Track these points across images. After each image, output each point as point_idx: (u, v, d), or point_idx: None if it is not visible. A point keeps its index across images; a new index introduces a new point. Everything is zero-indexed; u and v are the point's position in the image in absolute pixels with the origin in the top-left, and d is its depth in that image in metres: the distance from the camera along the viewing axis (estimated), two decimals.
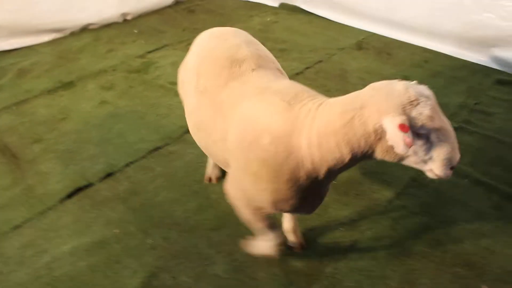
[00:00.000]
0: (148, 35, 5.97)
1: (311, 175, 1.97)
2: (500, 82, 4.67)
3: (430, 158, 1.82)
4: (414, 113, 1.71)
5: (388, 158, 1.85)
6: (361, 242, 2.80)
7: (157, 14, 6.73)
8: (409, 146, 1.70)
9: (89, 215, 3.07)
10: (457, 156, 1.85)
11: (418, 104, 1.72)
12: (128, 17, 6.57)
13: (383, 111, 1.73)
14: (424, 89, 1.79)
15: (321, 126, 1.88)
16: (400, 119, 1.68)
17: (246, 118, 2.11)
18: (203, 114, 2.36)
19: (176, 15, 6.68)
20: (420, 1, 5.39)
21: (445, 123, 1.81)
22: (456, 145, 1.84)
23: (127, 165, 3.51)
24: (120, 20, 6.49)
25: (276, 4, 6.85)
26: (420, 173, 1.96)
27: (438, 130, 1.77)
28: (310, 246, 2.78)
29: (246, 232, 2.81)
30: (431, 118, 1.73)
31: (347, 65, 4.97)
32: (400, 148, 1.73)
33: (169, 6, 6.99)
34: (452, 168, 1.85)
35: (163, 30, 6.12)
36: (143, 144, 3.74)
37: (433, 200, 3.13)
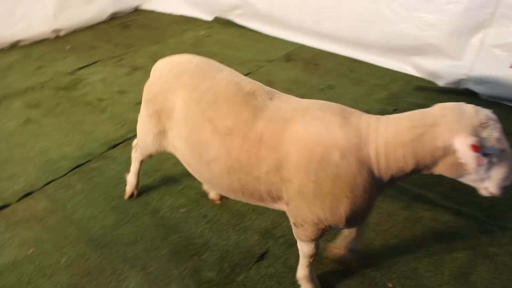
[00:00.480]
0: (80, 51, 5.93)
1: (378, 183, 2.08)
2: (419, 89, 4.91)
3: (488, 177, 1.96)
4: (484, 134, 1.86)
5: (449, 174, 2.02)
6: (274, 249, 2.88)
7: (91, 30, 6.69)
8: (480, 165, 1.87)
9: (3, 236, 3.02)
10: (511, 177, 1.99)
11: (487, 126, 1.87)
12: (61, 33, 6.51)
13: (455, 131, 1.88)
14: (491, 113, 1.94)
15: (389, 137, 2.01)
16: (472, 139, 1.84)
17: (305, 139, 2.08)
18: (236, 154, 2.23)
19: (111, 31, 6.66)
20: (345, 13, 5.59)
21: (507, 145, 1.94)
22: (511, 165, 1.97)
23: (47, 183, 3.48)
24: (52, 36, 6.41)
25: (210, 18, 6.94)
26: None
27: (502, 151, 1.91)
28: (224, 256, 2.82)
29: (161, 245, 2.85)
30: (499, 140, 1.88)
31: (274, 76, 5.10)
32: (471, 166, 1.89)
33: (104, 22, 6.98)
34: (504, 188, 1.99)
35: (96, 46, 6.09)
36: (65, 162, 3.71)
37: None
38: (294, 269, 2.73)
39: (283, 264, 2.77)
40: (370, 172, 2.04)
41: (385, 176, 2.07)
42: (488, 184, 1.99)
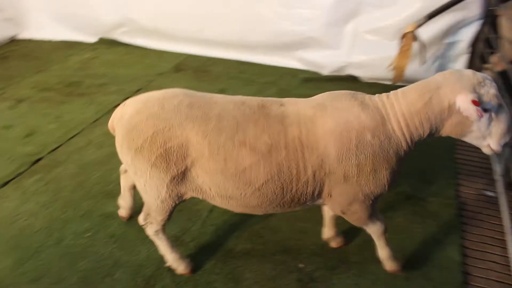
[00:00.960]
0: None
1: (405, 150, 2.31)
2: (306, 80, 5.20)
3: (490, 133, 2.21)
4: (482, 91, 2.13)
5: (455, 132, 2.27)
6: (186, 254, 2.88)
7: None
8: (481, 116, 2.12)
9: None
10: (511, 133, 2.24)
11: (485, 85, 2.14)
12: None
13: (458, 91, 2.14)
14: (487, 75, 2.21)
15: (404, 109, 2.25)
16: (472, 95, 2.10)
17: (338, 130, 2.23)
18: (286, 166, 2.23)
19: None
20: (228, 18, 5.75)
21: (503, 102, 2.19)
22: (510, 123, 2.22)
23: None
24: None
25: (94, 40, 6.77)
26: None
27: (499, 107, 2.16)
28: (136, 271, 2.78)
29: (69, 275, 2.74)
30: (496, 96, 2.14)
31: (165, 88, 5.07)
32: (473, 117, 2.13)
33: None
34: (505, 144, 2.24)
35: None
36: None
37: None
38: (207, 269, 2.77)
39: (196, 267, 2.79)
40: (398, 143, 2.27)
41: (410, 143, 2.30)
42: (490, 141, 2.24)
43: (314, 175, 2.26)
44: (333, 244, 2.96)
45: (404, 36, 4.46)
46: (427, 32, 4.87)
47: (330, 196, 2.36)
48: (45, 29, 6.97)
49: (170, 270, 2.77)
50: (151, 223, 2.62)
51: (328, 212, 2.87)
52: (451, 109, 2.17)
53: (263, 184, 2.24)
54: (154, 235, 2.67)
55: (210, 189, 2.33)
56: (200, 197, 2.42)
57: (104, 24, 6.52)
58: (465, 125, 2.19)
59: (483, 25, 4.83)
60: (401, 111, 2.26)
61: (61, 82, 5.47)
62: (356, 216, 2.46)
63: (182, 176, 2.30)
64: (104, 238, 3.03)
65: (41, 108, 4.79)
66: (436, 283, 2.70)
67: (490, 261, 2.87)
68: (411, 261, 2.84)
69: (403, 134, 2.27)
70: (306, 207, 2.51)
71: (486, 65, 4.56)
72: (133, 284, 2.69)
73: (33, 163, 3.86)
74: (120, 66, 5.86)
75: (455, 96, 2.14)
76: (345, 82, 5.25)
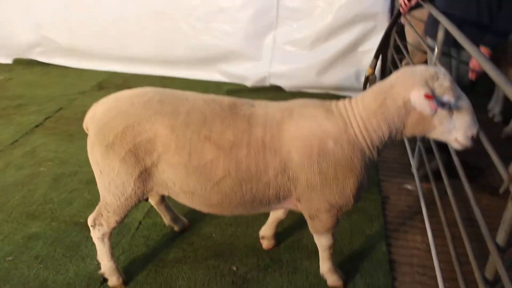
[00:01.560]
0: None
1: (369, 157, 2.30)
2: (230, 92, 5.30)
3: (454, 127, 2.14)
4: (436, 85, 2.10)
5: (418, 130, 2.22)
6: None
7: None
8: (434, 109, 2.06)
9: None
10: (477, 125, 2.17)
11: (438, 78, 2.11)
12: None
13: (410, 87, 2.11)
14: (441, 68, 2.20)
15: (362, 112, 2.24)
16: (424, 89, 2.06)
17: (300, 137, 2.23)
18: (246, 165, 2.24)
19: None
20: (147, 35, 5.77)
21: (463, 93, 2.14)
22: (474, 116, 2.15)
23: None
24: None
25: (9, 61, 6.51)
26: None
27: (458, 98, 2.11)
28: (65, 284, 2.70)
29: None
30: (451, 88, 2.10)
31: (88, 106, 4.87)
32: (428, 111, 2.08)
33: None
34: (472, 138, 2.17)
35: None
36: None
37: (182, 207, 3.29)
38: (140, 281, 2.74)
39: (128, 279, 2.75)
40: (361, 149, 2.27)
41: (372, 149, 2.29)
42: (456, 135, 2.16)
43: (276, 178, 2.27)
44: (265, 244, 3.03)
45: (366, 81, 4.22)
46: (342, 41, 5.17)
47: (299, 201, 2.40)
48: None
49: (101, 285, 2.71)
50: (101, 225, 2.56)
51: (274, 214, 2.95)
52: (407, 106, 2.15)
53: (221, 179, 2.26)
54: (99, 239, 2.61)
55: (174, 184, 2.34)
56: (166, 193, 2.44)
57: (19, 43, 6.30)
58: (426, 121, 2.16)
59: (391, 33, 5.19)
60: (360, 115, 2.26)
61: None
62: (321, 224, 2.47)
63: (149, 171, 2.32)
64: (29, 260, 2.90)
65: None
66: (365, 273, 2.84)
67: (413, 247, 3.07)
68: (341, 254, 2.98)
69: (364, 139, 2.26)
70: (274, 209, 2.57)
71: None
72: None
73: None
74: (38, 87, 5.67)
75: (409, 92, 2.11)
76: (270, 92, 5.42)
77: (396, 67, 5.07)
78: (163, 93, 2.39)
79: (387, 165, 4.01)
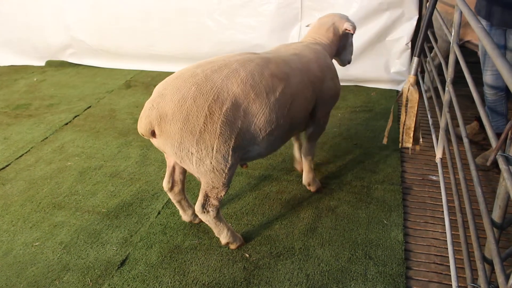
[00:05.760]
0: None
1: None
2: None
3: (349, 49, 3.66)
4: (350, 22, 3.47)
5: (343, 43, 3.55)
6: (134, 254, 2.94)
7: None
8: (353, 30, 3.45)
9: None
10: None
11: (349, 20, 3.50)
12: None
13: (344, 22, 3.45)
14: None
15: (324, 40, 3.40)
16: (350, 22, 3.46)
17: (308, 65, 3.03)
18: (302, 86, 2.87)
19: None
20: (174, 33, 5.90)
21: None
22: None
23: None
24: None
25: (42, 63, 6.80)
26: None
27: (353, 34, 3.57)
28: (85, 273, 2.83)
29: (17, 282, 2.76)
30: (354, 27, 3.48)
31: (115, 104, 5.18)
32: (353, 32, 3.46)
33: None
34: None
35: None
36: None
37: None
38: (155, 265, 2.84)
39: (145, 264, 2.86)
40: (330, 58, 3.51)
41: (333, 56, 3.61)
42: (347, 55, 3.67)
43: (312, 92, 2.98)
44: (299, 167, 3.70)
45: (403, 92, 3.49)
46: (369, 30, 5.12)
47: (318, 109, 3.13)
48: None
49: (118, 269, 2.83)
50: (213, 205, 2.75)
51: (296, 140, 3.64)
52: (342, 31, 3.45)
53: (291, 103, 2.75)
54: (215, 217, 2.80)
55: (261, 131, 2.63)
56: (251, 148, 2.71)
57: (51, 46, 6.57)
58: (347, 38, 3.54)
59: (420, 20, 5.09)
60: (324, 41, 3.40)
61: (8, 105, 5.48)
62: (322, 128, 3.35)
63: (240, 131, 2.55)
64: (53, 246, 3.06)
65: None
66: (378, 261, 2.84)
67: (431, 238, 3.04)
68: (355, 243, 2.99)
69: (331, 54, 3.43)
70: (303, 128, 3.26)
71: (427, 59, 4.83)
72: (82, 285, 2.73)
73: None
74: (69, 87, 5.90)
75: (344, 24, 3.42)
76: None
77: (425, 55, 4.98)
78: (204, 65, 2.60)
79: (412, 157, 3.98)
